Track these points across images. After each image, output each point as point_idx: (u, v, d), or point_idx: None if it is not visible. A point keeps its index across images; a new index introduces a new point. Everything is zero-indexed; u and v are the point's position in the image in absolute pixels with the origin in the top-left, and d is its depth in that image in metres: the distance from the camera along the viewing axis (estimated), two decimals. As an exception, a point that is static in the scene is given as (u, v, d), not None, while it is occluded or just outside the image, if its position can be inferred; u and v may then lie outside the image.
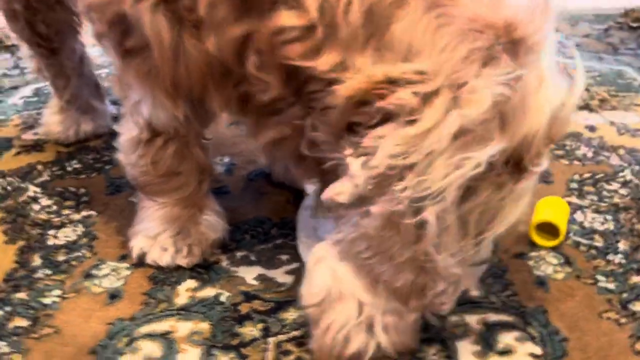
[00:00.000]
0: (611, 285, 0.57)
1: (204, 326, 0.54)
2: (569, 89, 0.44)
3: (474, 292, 0.51)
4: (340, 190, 0.44)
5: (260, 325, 0.54)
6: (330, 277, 0.48)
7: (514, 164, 0.43)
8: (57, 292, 0.59)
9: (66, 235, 0.68)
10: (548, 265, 0.60)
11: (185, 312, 0.56)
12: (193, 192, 0.63)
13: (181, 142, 0.60)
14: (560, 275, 0.59)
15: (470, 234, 0.44)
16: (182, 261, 0.62)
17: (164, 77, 0.51)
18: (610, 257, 0.61)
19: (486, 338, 0.52)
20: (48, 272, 0.62)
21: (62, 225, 0.69)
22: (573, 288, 0.57)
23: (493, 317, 0.54)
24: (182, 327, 0.54)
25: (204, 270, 0.62)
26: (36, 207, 0.72)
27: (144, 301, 0.58)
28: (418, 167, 0.40)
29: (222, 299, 0.58)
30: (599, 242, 0.64)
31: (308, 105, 0.46)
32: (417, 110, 0.40)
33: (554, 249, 0.62)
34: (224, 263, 0.63)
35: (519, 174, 0.43)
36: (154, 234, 0.63)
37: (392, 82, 0.41)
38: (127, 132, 0.61)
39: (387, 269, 0.45)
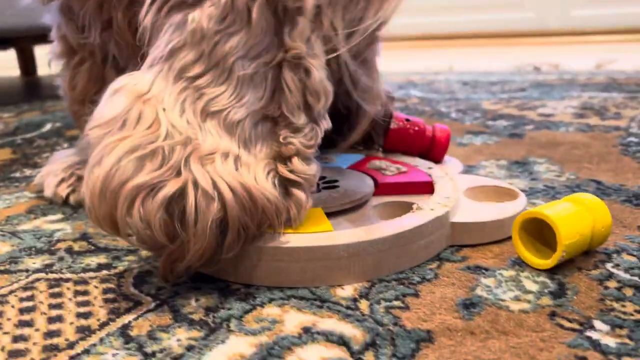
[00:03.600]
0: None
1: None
2: None
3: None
4: None
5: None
6: (134, 99, 0.38)
7: None
8: None
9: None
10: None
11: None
12: None
13: (95, 63, 0.59)
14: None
15: (344, 20, 0.40)
16: (65, 191, 0.61)
17: None
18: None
19: None
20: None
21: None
22: None
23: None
24: None
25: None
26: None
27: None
28: None
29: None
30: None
31: None
32: None
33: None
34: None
35: None
36: (57, 163, 0.64)
37: None
38: (52, 48, 0.61)
39: (224, 90, 0.39)
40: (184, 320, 0.38)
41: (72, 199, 0.61)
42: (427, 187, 0.50)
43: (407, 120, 0.60)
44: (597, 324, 0.35)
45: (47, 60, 0.64)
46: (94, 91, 0.62)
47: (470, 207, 0.48)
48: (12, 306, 0.41)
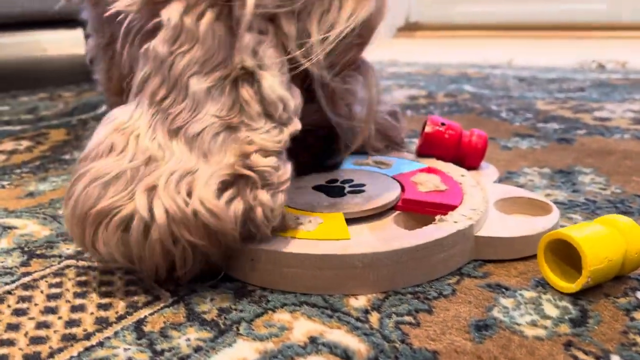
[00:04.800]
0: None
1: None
2: None
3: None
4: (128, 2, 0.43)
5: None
6: (110, 131, 0.41)
7: None
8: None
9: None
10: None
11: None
12: None
13: None
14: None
15: (309, 27, 0.42)
16: None
17: None
18: None
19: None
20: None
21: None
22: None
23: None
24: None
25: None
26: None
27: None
28: None
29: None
30: None
31: None
32: None
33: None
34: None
35: None
36: None
37: None
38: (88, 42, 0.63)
39: (184, 107, 0.41)
40: (196, 319, 0.38)
41: None
42: (449, 211, 0.46)
43: (443, 124, 0.58)
44: (615, 359, 0.33)
45: (87, 56, 0.67)
46: (129, 81, 0.64)
47: (498, 220, 0.47)
48: (42, 291, 0.43)
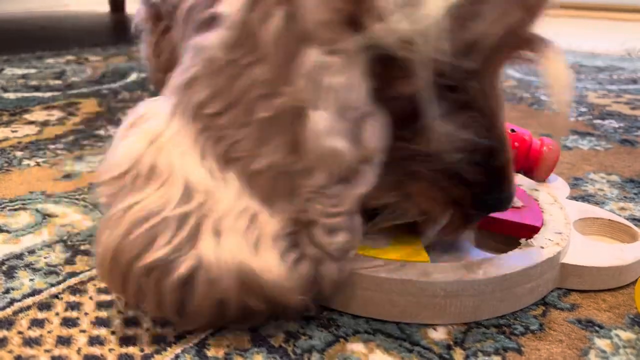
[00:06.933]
0: None
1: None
2: None
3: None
4: None
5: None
6: (146, 144, 0.33)
7: None
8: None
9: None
10: None
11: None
12: None
13: None
14: None
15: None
16: None
17: None
18: None
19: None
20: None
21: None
22: None
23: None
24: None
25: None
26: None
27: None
28: None
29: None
30: None
31: None
32: None
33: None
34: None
35: None
36: None
37: None
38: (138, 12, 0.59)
39: (245, 135, 0.32)
40: (262, 344, 0.35)
41: None
42: (530, 232, 0.42)
43: (512, 131, 0.54)
44: None
45: (133, 24, 0.63)
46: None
47: (582, 245, 0.43)
48: (90, 297, 0.40)
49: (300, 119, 0.31)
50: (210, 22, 0.33)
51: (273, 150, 0.32)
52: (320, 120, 0.30)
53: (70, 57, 1.27)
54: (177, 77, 0.34)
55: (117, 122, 0.80)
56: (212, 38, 0.32)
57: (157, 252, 0.32)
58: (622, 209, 0.55)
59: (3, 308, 0.38)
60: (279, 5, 0.30)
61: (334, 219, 0.32)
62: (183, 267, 0.32)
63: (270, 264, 0.32)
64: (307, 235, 0.33)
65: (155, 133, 0.34)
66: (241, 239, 0.32)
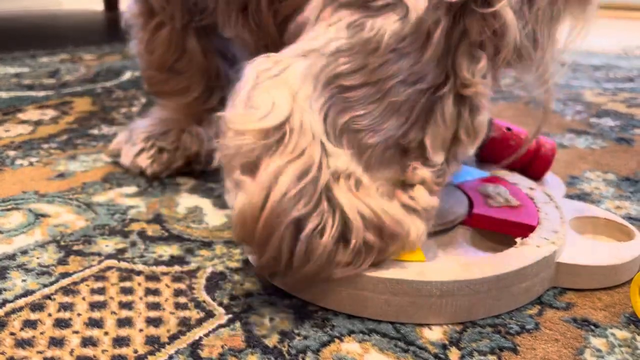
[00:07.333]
0: None
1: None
2: None
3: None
4: None
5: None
6: (291, 100, 0.34)
7: None
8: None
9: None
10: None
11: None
12: (197, 100, 0.60)
13: (174, 28, 0.56)
14: None
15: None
16: (144, 162, 0.59)
17: None
18: None
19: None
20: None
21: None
22: None
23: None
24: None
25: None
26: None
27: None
28: None
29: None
30: None
31: None
32: None
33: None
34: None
35: None
36: (136, 132, 0.61)
37: None
38: (129, 7, 0.59)
39: (371, 111, 0.35)
40: (257, 345, 0.35)
41: (149, 171, 0.60)
42: (526, 231, 0.42)
43: (508, 129, 0.54)
44: None
45: (122, 20, 0.62)
46: (174, 58, 0.60)
47: (578, 244, 0.43)
48: (83, 298, 0.39)
49: (447, 104, 0.36)
50: (360, 5, 0.35)
51: (395, 127, 0.36)
52: (486, 108, 0.37)
53: (64, 56, 1.27)
54: (315, 42, 0.35)
55: (111, 122, 0.80)
56: (386, 25, 0.34)
57: (304, 209, 0.33)
58: (618, 207, 0.55)
59: (-5, 309, 0.38)
60: (446, 15, 0.35)
61: (436, 185, 0.38)
62: (334, 228, 0.34)
63: (387, 207, 0.36)
64: (403, 195, 0.37)
65: (294, 90, 0.34)
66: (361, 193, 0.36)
